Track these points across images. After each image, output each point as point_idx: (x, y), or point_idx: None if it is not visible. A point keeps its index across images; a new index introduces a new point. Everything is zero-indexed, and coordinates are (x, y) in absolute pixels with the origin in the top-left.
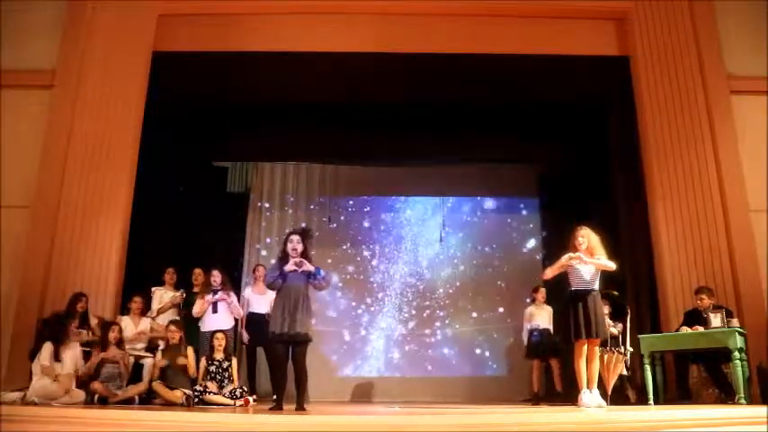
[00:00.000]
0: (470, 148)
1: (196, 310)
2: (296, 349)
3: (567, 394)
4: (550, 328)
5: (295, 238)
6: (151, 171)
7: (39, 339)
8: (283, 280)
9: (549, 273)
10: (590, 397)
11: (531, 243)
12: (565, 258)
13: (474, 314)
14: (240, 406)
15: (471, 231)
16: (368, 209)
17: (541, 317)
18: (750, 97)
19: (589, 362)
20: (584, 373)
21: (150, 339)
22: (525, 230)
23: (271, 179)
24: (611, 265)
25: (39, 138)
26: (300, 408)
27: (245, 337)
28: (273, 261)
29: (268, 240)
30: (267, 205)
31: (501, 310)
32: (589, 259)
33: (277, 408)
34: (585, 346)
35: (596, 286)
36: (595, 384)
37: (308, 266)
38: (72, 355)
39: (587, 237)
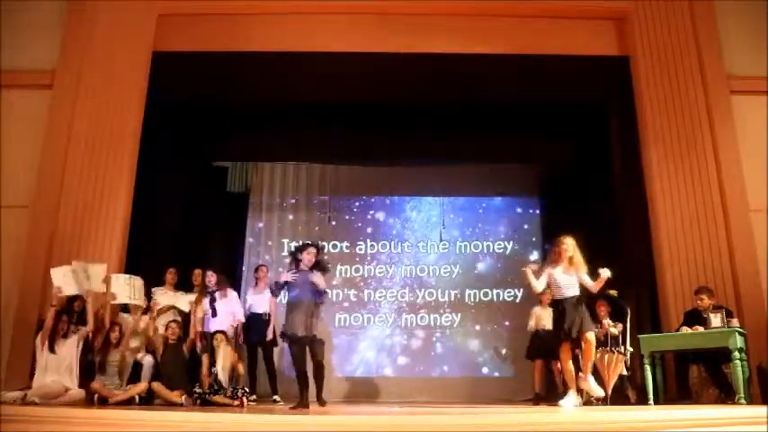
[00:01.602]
0: (470, 148)
1: (200, 315)
2: (316, 350)
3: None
4: None
5: (313, 250)
6: (151, 171)
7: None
8: (288, 289)
9: (537, 287)
10: (574, 399)
11: (531, 242)
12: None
13: (474, 313)
14: (237, 406)
15: (471, 231)
16: (368, 209)
17: (547, 318)
18: (750, 97)
19: (585, 350)
20: (572, 373)
21: (150, 340)
22: (525, 230)
23: (271, 179)
24: (588, 282)
25: (39, 138)
26: (321, 403)
27: (241, 337)
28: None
29: (268, 240)
30: (267, 205)
31: (501, 309)
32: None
33: (298, 407)
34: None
35: (571, 294)
36: (589, 371)
37: (320, 283)
38: (67, 348)
39: (572, 245)
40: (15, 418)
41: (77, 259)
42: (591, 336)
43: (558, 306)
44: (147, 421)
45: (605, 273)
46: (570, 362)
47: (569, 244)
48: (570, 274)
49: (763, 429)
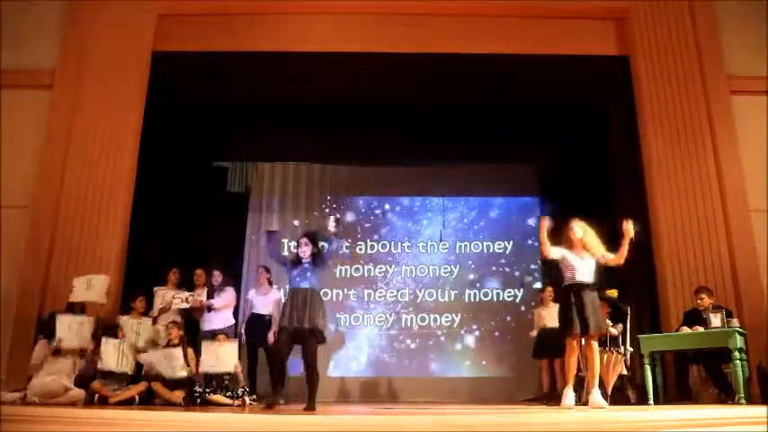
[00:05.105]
0: (470, 147)
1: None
2: (305, 346)
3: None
4: None
5: (303, 240)
6: (151, 171)
7: (38, 340)
8: (292, 269)
9: (548, 251)
10: (572, 397)
11: (531, 242)
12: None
13: (474, 313)
14: (238, 406)
15: (470, 231)
16: (367, 209)
17: (550, 316)
18: (750, 97)
19: (588, 359)
20: (573, 371)
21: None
22: (525, 230)
23: (271, 179)
24: (609, 257)
25: (39, 138)
26: (311, 408)
27: (243, 337)
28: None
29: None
30: (267, 205)
31: (501, 308)
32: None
33: (270, 406)
34: (576, 343)
35: (587, 279)
36: (596, 383)
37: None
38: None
39: (583, 228)
40: (15, 418)
41: (77, 275)
42: (595, 345)
43: (571, 291)
44: (147, 421)
45: (629, 229)
46: (574, 357)
47: (577, 228)
48: (583, 258)
49: (763, 429)
